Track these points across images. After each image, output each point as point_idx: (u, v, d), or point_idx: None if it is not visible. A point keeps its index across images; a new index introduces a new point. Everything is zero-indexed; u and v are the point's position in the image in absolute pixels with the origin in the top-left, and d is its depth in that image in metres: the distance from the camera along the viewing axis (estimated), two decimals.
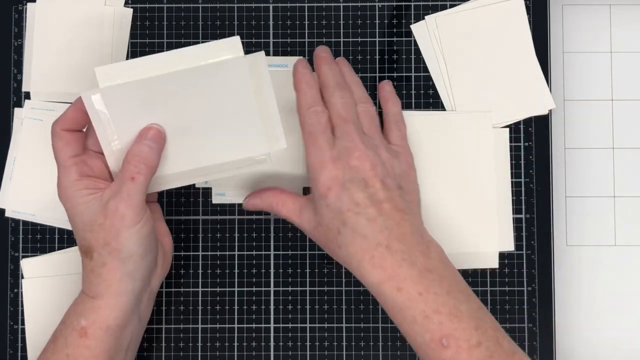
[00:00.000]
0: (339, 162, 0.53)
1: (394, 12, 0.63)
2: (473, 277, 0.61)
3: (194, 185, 0.62)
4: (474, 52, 0.62)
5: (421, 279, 0.50)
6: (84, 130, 0.55)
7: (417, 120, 0.62)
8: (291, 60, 0.62)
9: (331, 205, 0.52)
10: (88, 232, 0.52)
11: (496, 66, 0.62)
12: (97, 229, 0.52)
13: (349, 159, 0.53)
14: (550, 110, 0.62)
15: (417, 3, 0.63)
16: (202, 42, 0.62)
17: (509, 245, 0.61)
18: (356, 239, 0.52)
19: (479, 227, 0.61)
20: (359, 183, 0.52)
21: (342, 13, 0.63)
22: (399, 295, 0.50)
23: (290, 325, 0.61)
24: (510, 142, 0.62)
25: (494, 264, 0.61)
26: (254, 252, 0.62)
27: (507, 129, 0.62)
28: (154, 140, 0.53)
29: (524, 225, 0.61)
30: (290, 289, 0.61)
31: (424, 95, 0.62)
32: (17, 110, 0.62)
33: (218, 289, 0.61)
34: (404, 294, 0.50)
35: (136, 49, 0.63)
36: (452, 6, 0.62)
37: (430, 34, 0.62)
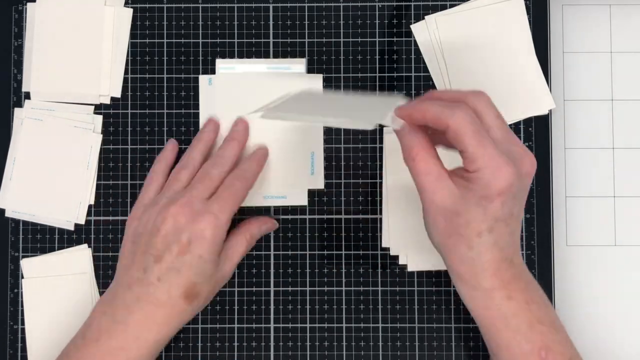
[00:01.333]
0: (514, 167, 0.48)
1: (394, 12, 0.63)
2: None
3: None
4: (474, 52, 0.62)
5: (527, 289, 0.50)
6: None
7: None
8: (293, 62, 0.62)
9: (490, 211, 0.48)
10: (209, 284, 0.56)
11: (496, 66, 0.62)
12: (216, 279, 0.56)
13: (522, 164, 0.49)
14: (550, 110, 0.62)
15: (417, 3, 0.63)
16: (203, 42, 0.62)
17: None
18: (494, 249, 0.49)
19: None
20: (524, 195, 0.50)
21: (342, 13, 0.63)
22: (509, 303, 0.50)
23: (290, 325, 0.61)
24: None
25: None
26: (254, 252, 0.62)
27: None
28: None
29: (524, 225, 0.61)
30: (290, 289, 0.61)
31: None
32: (17, 110, 0.62)
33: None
34: (513, 303, 0.50)
35: (136, 49, 0.63)
36: (452, 6, 0.62)
37: (430, 34, 0.62)
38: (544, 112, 0.62)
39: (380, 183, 0.61)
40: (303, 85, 0.61)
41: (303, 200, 0.61)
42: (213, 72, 0.62)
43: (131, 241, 0.56)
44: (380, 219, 0.62)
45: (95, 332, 0.54)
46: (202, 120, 0.62)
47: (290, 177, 0.61)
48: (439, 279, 0.61)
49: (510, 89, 0.62)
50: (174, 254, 0.53)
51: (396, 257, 0.61)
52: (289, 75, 0.62)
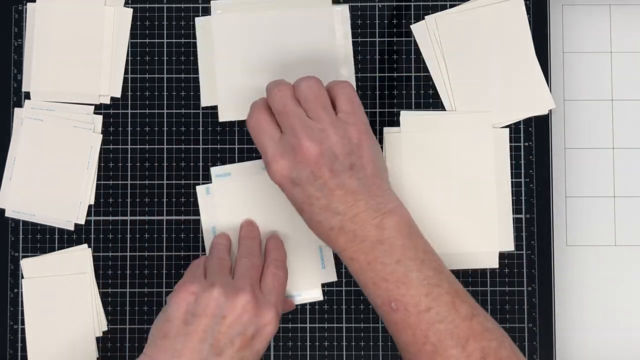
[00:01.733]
0: (285, 160, 0.53)
1: (394, 12, 0.63)
2: (473, 277, 0.61)
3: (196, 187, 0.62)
4: (474, 52, 0.62)
5: (372, 250, 0.53)
6: None
7: (417, 120, 0.62)
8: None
9: (289, 197, 0.55)
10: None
11: (496, 66, 0.62)
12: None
13: (295, 155, 0.53)
14: (550, 110, 0.62)
15: (417, 3, 0.63)
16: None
17: (509, 245, 0.61)
18: (312, 224, 0.54)
19: (479, 227, 0.61)
20: (307, 177, 0.53)
21: None
22: (352, 264, 0.54)
23: (290, 325, 0.61)
24: (510, 142, 0.62)
25: (494, 264, 0.61)
26: None
27: (507, 129, 0.62)
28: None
29: (524, 225, 0.61)
30: None
31: (424, 95, 0.62)
32: (17, 110, 0.62)
33: None
34: (355, 264, 0.53)
35: (136, 49, 0.63)
36: (452, 6, 0.62)
37: (430, 34, 0.62)
38: (544, 112, 0.62)
39: None
40: None
41: (318, 296, 0.61)
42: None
43: (182, 320, 0.52)
44: None
45: None
46: (206, 228, 0.61)
47: (303, 275, 0.61)
48: None
49: (510, 89, 0.62)
50: (235, 348, 0.51)
51: None
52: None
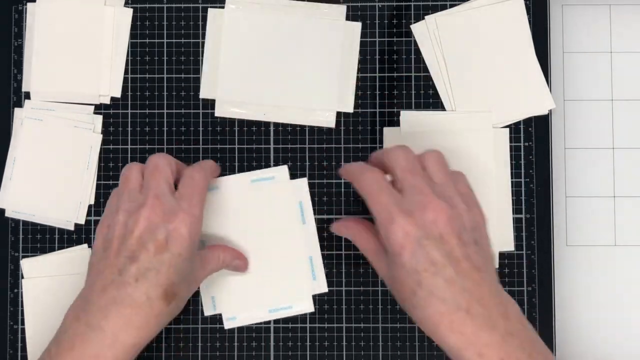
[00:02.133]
0: (412, 217, 0.49)
1: (394, 12, 0.63)
2: None
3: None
4: (474, 52, 0.62)
5: (503, 344, 0.47)
6: None
7: (417, 120, 0.62)
8: (277, 169, 0.61)
9: (406, 265, 0.49)
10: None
11: (496, 66, 0.62)
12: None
13: (424, 212, 0.49)
14: (550, 110, 0.62)
15: (417, 3, 0.63)
16: (202, 42, 0.62)
17: (509, 245, 0.61)
18: (433, 302, 0.48)
19: None
20: (435, 240, 0.49)
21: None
22: None
23: (290, 325, 0.61)
24: (510, 142, 0.62)
25: (494, 264, 0.61)
26: None
27: (507, 129, 0.62)
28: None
29: (524, 225, 0.61)
30: None
31: (424, 95, 0.62)
32: (17, 110, 0.62)
33: None
34: None
35: (136, 49, 0.63)
36: (452, 6, 0.62)
37: (430, 34, 0.62)
38: (544, 112, 0.62)
39: None
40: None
41: (309, 308, 0.60)
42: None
43: (102, 248, 0.53)
44: None
45: (69, 339, 0.51)
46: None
47: (293, 286, 0.60)
48: None
49: (510, 89, 0.62)
50: (151, 253, 0.51)
51: None
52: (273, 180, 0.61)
